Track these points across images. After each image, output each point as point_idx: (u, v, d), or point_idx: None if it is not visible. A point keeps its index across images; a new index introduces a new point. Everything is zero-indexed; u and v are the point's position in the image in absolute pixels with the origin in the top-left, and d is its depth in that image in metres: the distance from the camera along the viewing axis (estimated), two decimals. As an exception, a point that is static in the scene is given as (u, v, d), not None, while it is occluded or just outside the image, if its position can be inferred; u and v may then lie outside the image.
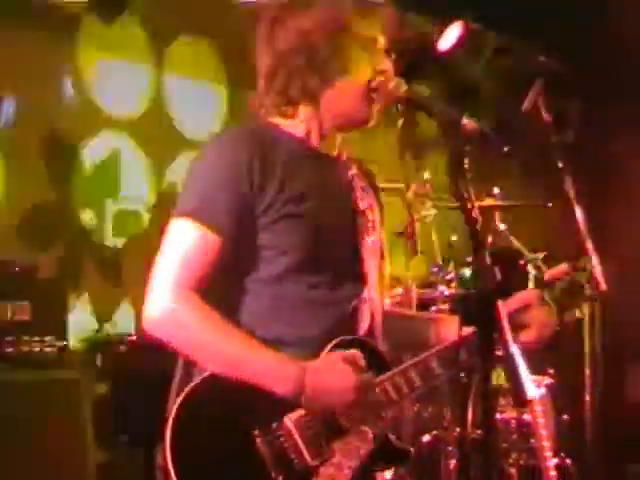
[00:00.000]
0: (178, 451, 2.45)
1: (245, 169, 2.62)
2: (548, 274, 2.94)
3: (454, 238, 5.45)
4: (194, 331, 2.58)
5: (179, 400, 2.51)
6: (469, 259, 5.22)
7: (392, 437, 2.71)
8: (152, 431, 4.89)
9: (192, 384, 2.55)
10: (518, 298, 2.84)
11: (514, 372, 2.17)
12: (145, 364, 4.97)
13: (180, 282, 2.57)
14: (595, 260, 4.62)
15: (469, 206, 2.34)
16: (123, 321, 5.73)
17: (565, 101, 7.03)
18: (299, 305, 2.68)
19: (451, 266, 5.11)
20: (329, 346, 2.67)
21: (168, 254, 2.60)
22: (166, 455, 2.44)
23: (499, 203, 5.34)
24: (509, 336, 2.18)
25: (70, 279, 5.52)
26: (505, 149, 5.21)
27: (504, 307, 2.22)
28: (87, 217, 5.88)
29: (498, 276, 2.21)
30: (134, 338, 5.24)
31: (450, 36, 6.47)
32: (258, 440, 2.51)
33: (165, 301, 2.56)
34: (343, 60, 2.73)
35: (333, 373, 2.59)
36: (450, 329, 2.89)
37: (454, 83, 6.95)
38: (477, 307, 2.19)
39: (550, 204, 5.48)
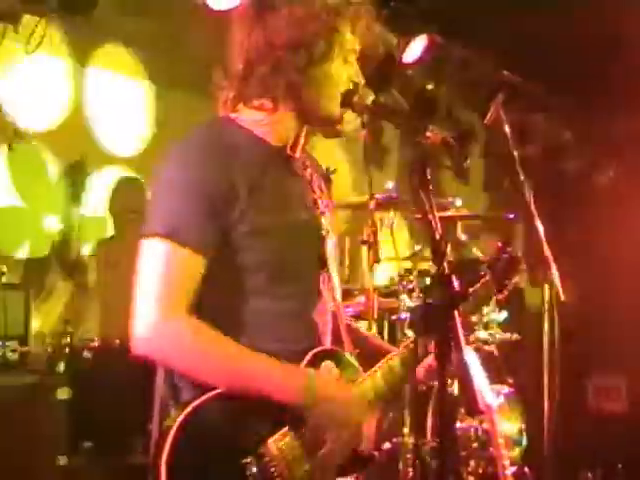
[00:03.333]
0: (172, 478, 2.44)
1: (216, 186, 2.57)
2: (486, 258, 3.01)
3: (418, 247, 5.49)
4: (195, 348, 2.56)
5: (176, 425, 2.48)
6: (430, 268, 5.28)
7: (362, 447, 2.74)
8: (115, 438, 4.92)
9: (186, 412, 2.51)
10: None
11: (467, 382, 2.19)
12: (109, 370, 4.98)
13: (167, 302, 2.52)
14: (555, 272, 4.69)
15: (430, 216, 2.37)
16: (88, 327, 5.70)
17: (528, 116, 7.14)
18: (275, 318, 2.68)
19: (414, 275, 5.15)
20: (306, 359, 2.69)
21: (151, 276, 2.55)
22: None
23: (461, 214, 5.39)
24: (464, 347, 2.21)
25: (34, 284, 5.49)
26: (467, 161, 5.26)
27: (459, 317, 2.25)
28: (52, 222, 5.85)
29: (456, 286, 2.24)
30: (98, 344, 5.23)
31: (415, 49, 6.53)
32: (249, 469, 2.51)
33: (155, 319, 2.51)
34: (329, 61, 2.69)
35: (335, 384, 2.67)
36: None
37: (417, 95, 7.00)
38: (434, 316, 2.22)
39: (512, 216, 5.54)
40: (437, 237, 2.34)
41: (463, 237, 5.30)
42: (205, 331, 2.56)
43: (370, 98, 2.70)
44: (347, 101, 2.72)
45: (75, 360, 5.03)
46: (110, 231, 5.99)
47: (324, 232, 2.86)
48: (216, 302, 2.64)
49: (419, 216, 2.42)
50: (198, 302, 2.59)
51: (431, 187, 2.41)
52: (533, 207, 4.85)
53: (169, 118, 6.38)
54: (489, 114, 5.23)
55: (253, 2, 2.73)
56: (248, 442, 2.53)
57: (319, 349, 2.73)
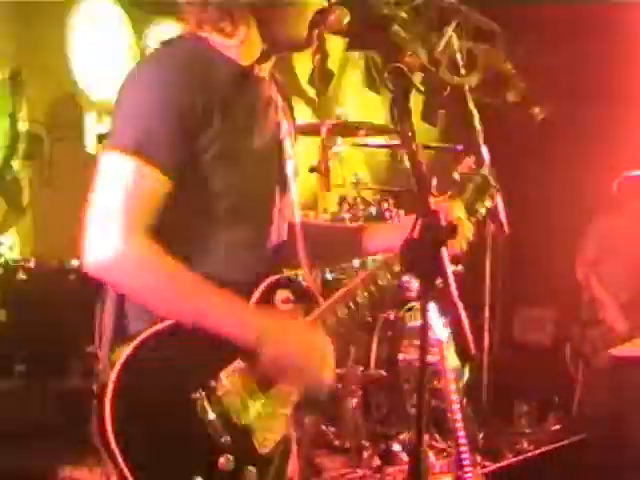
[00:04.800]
0: (118, 416, 2.33)
1: (187, 105, 2.44)
2: (458, 172, 2.90)
3: (360, 174, 5.43)
4: (153, 278, 2.44)
5: (121, 360, 2.37)
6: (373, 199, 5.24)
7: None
8: (51, 360, 4.82)
9: (136, 341, 2.40)
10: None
11: (460, 324, 2.12)
12: (44, 292, 4.86)
13: (129, 223, 2.40)
14: (501, 206, 4.66)
15: (414, 147, 2.28)
16: (22, 246, 5.55)
17: (474, 45, 7.07)
18: (231, 246, 2.58)
19: (359, 202, 5.09)
20: (261, 287, 2.60)
21: (110, 192, 2.41)
22: (105, 418, 2.32)
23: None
24: (453, 285, 2.13)
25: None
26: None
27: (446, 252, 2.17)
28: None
29: (442, 221, 2.16)
30: (32, 265, 5.09)
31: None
32: (199, 403, 2.42)
33: (116, 242, 2.38)
34: None
35: (296, 333, 2.55)
36: (379, 236, 2.90)
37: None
38: (421, 253, 2.14)
39: (460, 147, 5.50)
40: (422, 170, 2.25)
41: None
42: (164, 259, 2.44)
43: (347, 19, 2.59)
44: (320, 21, 2.60)
45: (9, 282, 4.90)
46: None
47: (286, 155, 2.77)
48: (175, 226, 2.51)
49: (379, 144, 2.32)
50: (157, 223, 2.46)
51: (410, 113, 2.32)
52: (481, 140, 4.81)
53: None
54: (442, 41, 5.15)
55: None
56: (199, 376, 2.44)
57: (276, 277, 2.64)
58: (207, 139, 2.49)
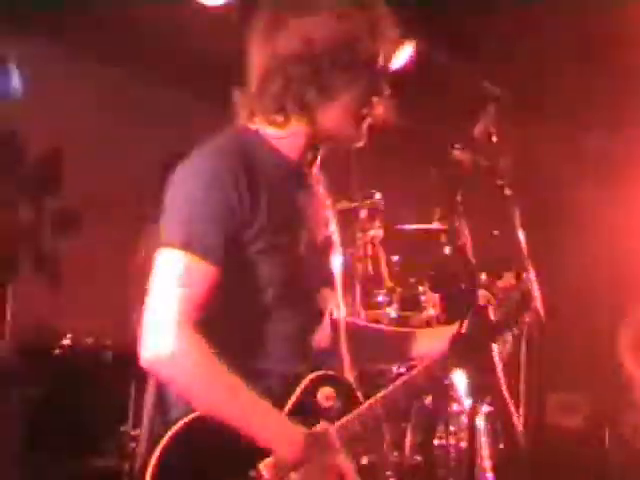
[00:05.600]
0: None
1: (235, 200, 2.49)
2: (499, 288, 2.91)
3: (396, 258, 5.43)
4: (203, 379, 2.49)
5: (163, 442, 2.43)
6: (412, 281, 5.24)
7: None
8: (85, 438, 4.82)
9: (177, 427, 2.46)
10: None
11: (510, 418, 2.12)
12: (80, 369, 4.89)
13: (183, 319, 2.45)
14: (537, 293, 4.65)
15: (466, 244, 2.30)
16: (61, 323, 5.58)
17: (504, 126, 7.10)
18: (276, 339, 2.61)
19: (397, 289, 5.09)
20: (302, 384, 2.63)
21: (165, 288, 2.47)
22: None
23: (444, 227, 5.33)
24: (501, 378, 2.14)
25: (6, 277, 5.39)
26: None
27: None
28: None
29: (492, 317, 2.17)
30: (69, 342, 5.11)
31: (401, 56, 6.45)
32: None
33: (172, 341, 2.44)
34: (345, 77, 2.60)
35: (330, 444, 2.57)
36: (428, 343, 2.89)
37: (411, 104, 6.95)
38: (470, 348, 2.15)
39: (496, 232, 5.49)
40: (472, 265, 2.26)
41: (447, 250, 5.24)
42: (214, 363, 2.48)
43: (394, 115, 2.64)
44: (366, 115, 2.66)
45: (46, 357, 4.93)
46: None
47: (334, 251, 2.82)
48: (225, 320, 2.57)
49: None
50: (209, 317, 2.51)
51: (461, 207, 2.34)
52: (518, 221, 4.81)
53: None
54: (478, 126, 5.18)
55: (263, 17, 2.66)
56: (237, 465, 2.47)
57: (318, 373, 2.67)
58: (254, 232, 2.53)
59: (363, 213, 4.71)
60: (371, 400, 2.70)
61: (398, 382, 2.74)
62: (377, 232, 5.02)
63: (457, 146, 2.44)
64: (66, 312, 5.52)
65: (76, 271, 5.64)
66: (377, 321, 4.80)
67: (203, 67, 5.89)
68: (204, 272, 2.48)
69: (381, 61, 2.67)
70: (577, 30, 6.76)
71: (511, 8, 6.67)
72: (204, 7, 5.56)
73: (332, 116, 2.64)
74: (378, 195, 4.98)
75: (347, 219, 4.77)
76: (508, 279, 2.93)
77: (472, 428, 2.18)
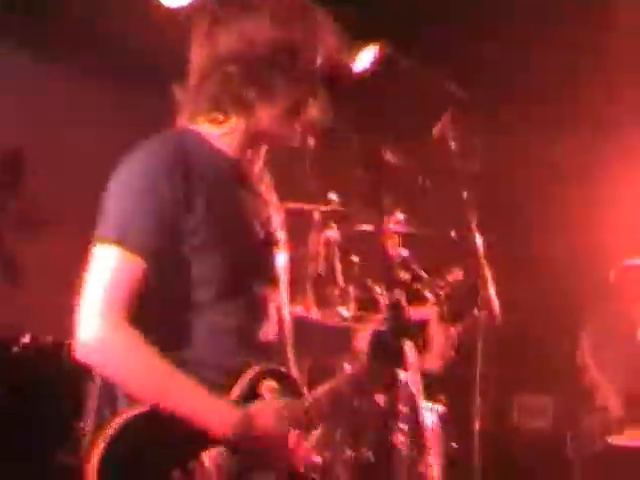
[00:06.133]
0: None
1: (169, 192, 2.56)
2: (446, 283, 2.96)
3: (355, 259, 5.47)
4: (131, 365, 2.55)
5: (106, 437, 2.47)
6: (369, 282, 5.27)
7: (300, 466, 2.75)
8: (41, 435, 4.82)
9: (120, 419, 2.51)
10: (417, 312, 2.86)
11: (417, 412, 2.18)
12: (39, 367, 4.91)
13: (111, 310, 2.52)
14: (493, 294, 4.69)
15: (385, 238, 2.35)
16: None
17: (471, 131, 7.15)
18: (218, 332, 2.67)
19: (351, 288, 5.13)
20: (245, 376, 2.68)
21: (94, 282, 2.54)
22: None
23: (403, 229, 5.37)
24: (414, 378, 2.19)
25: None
26: (426, 182, 5.26)
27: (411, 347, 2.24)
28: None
29: (409, 316, 2.23)
30: (27, 340, 5.13)
31: (365, 58, 6.48)
32: None
33: (98, 330, 2.51)
34: (283, 79, 2.68)
35: (269, 422, 2.63)
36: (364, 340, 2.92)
37: (366, 107, 6.98)
38: (386, 344, 2.20)
39: (453, 233, 5.54)
40: (391, 262, 2.32)
41: (404, 253, 5.28)
42: (142, 347, 2.55)
43: (329, 118, 2.69)
44: (300, 115, 2.74)
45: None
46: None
47: (275, 249, 2.87)
48: (161, 312, 2.64)
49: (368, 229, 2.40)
50: (143, 310, 2.58)
51: (387, 209, 2.40)
52: (475, 224, 4.85)
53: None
54: (435, 129, 5.22)
55: (206, 17, 2.73)
56: (180, 455, 2.51)
57: (262, 366, 2.72)
58: (190, 227, 2.58)
59: (317, 214, 4.75)
60: (315, 394, 2.78)
61: (340, 376, 2.79)
62: (333, 233, 5.06)
63: (388, 149, 2.48)
64: (26, 311, 5.55)
65: (36, 271, 5.66)
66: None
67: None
68: (135, 267, 2.54)
69: (319, 65, 2.73)
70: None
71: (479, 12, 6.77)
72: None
73: (269, 115, 2.71)
74: (334, 196, 5.03)
75: (301, 220, 4.82)
76: (456, 273, 2.99)
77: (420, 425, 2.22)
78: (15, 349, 5.02)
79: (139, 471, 2.48)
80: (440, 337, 2.87)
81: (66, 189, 5.88)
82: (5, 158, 5.88)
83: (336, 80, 2.73)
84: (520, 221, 8.13)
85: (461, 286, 2.97)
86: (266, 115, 2.71)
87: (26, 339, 5.10)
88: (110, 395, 2.63)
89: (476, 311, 3.06)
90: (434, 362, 2.87)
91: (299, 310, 4.80)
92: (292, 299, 5.07)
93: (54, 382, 4.83)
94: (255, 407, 2.64)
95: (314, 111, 2.72)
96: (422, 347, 2.79)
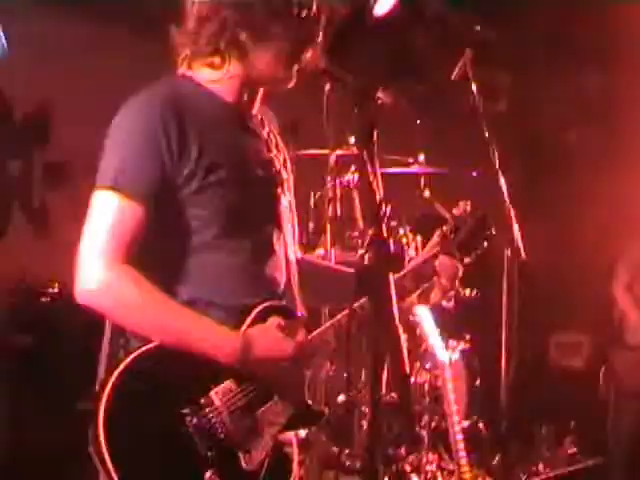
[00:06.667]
0: (111, 429, 2.46)
1: (163, 138, 2.59)
2: (454, 216, 2.99)
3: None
4: (133, 303, 2.59)
5: (116, 373, 2.52)
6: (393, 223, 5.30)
7: (309, 400, 2.81)
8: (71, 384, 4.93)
9: (126, 361, 2.55)
10: (427, 248, 2.97)
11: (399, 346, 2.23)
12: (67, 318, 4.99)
13: (110, 254, 2.56)
14: (517, 230, 4.72)
15: (371, 178, 2.38)
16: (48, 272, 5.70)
17: (496, 72, 7.13)
18: (224, 271, 2.71)
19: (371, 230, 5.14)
20: (253, 313, 2.73)
21: (94, 227, 2.58)
22: (99, 432, 2.45)
23: (424, 170, 5.41)
24: (396, 312, 2.23)
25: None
26: (417, 122, 5.28)
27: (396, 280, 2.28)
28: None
29: (392, 249, 2.27)
30: (57, 290, 5.22)
31: (386, 1, 6.47)
32: (187, 419, 2.54)
33: (99, 273, 2.55)
34: (278, 22, 2.70)
35: (272, 342, 2.68)
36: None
37: (390, 49, 6.98)
38: (371, 278, 2.25)
39: (475, 173, 5.56)
40: (377, 199, 2.36)
41: (426, 193, 5.31)
42: (144, 286, 2.59)
43: (323, 61, 2.72)
44: (295, 60, 2.75)
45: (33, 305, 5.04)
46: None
47: (279, 190, 2.90)
48: (163, 256, 2.68)
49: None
50: (144, 254, 2.62)
51: (376, 149, 2.42)
52: (497, 164, 4.86)
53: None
54: (456, 70, 5.22)
55: None
56: (190, 392, 2.57)
57: (267, 304, 2.76)
58: (187, 170, 2.63)
59: (333, 158, 4.78)
60: (321, 328, 2.82)
61: (344, 311, 2.85)
62: (351, 176, 5.10)
63: (380, 88, 2.50)
64: (55, 262, 5.63)
65: (66, 222, 5.72)
66: (350, 262, 4.89)
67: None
68: (133, 212, 2.59)
69: (315, 10, 2.77)
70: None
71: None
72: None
73: (265, 58, 2.74)
74: (352, 140, 5.04)
75: (318, 164, 4.85)
76: (463, 207, 3.02)
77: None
78: (44, 299, 5.11)
79: (149, 408, 2.53)
80: (444, 270, 2.91)
81: (95, 141, 5.93)
82: (34, 110, 5.95)
83: (351, 25, 2.76)
84: (548, 160, 8.09)
85: (468, 218, 2.99)
86: (262, 59, 2.74)
87: (55, 289, 5.20)
88: (122, 339, 2.69)
89: (486, 245, 3.06)
90: (436, 295, 2.91)
91: (321, 252, 4.89)
92: (314, 241, 5.20)
93: (82, 333, 4.91)
94: (255, 329, 2.70)
95: (312, 55, 2.75)
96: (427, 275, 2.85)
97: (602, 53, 7.31)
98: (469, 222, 2.99)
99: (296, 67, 2.77)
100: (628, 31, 6.93)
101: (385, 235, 2.28)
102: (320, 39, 2.79)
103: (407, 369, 2.28)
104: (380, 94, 2.51)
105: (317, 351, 2.83)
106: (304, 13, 2.74)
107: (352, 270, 2.98)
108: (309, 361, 2.84)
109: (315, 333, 2.80)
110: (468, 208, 3.01)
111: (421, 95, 6.69)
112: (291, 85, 2.80)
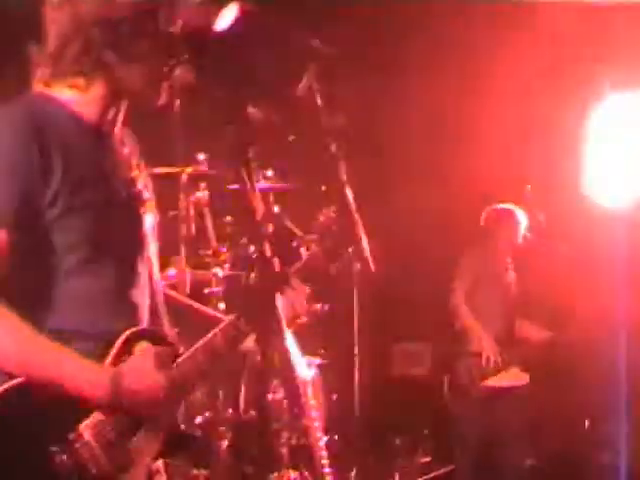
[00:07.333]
0: None
1: (25, 159, 2.49)
2: (319, 223, 2.98)
3: (229, 219, 5.47)
4: None
5: None
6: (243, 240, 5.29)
7: (181, 425, 2.79)
8: None
9: None
10: None
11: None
12: None
13: None
14: (365, 243, 4.74)
15: (251, 194, 2.36)
16: None
17: (334, 85, 7.17)
18: (90, 297, 2.63)
19: (225, 248, 5.14)
20: (120, 339, 2.64)
21: None
22: None
23: (274, 185, 5.40)
24: (284, 324, 2.21)
25: None
26: (290, 138, 5.28)
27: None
28: None
29: (277, 267, 2.24)
30: None
31: (227, 16, 6.43)
32: (56, 456, 2.46)
33: None
34: (144, 41, 2.65)
35: (142, 374, 2.60)
36: None
37: (233, 66, 6.94)
38: (255, 298, 2.22)
39: (323, 187, 5.57)
40: (258, 217, 2.33)
41: (276, 209, 5.31)
42: (7, 316, 2.48)
43: (191, 77, 2.68)
44: (164, 77, 2.70)
45: None
46: None
47: (142, 210, 2.83)
48: (27, 281, 2.57)
49: (234, 189, 2.40)
50: (9, 279, 2.51)
51: (253, 164, 2.40)
52: (344, 178, 4.88)
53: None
54: (301, 85, 5.23)
55: None
56: (58, 428, 2.49)
57: (135, 329, 2.70)
58: (50, 195, 2.54)
59: (184, 176, 4.74)
60: (190, 350, 2.75)
61: (215, 330, 2.79)
62: (202, 194, 5.06)
63: (252, 104, 2.48)
64: None
65: None
66: (205, 281, 4.88)
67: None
68: None
69: (180, 26, 2.72)
70: None
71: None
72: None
73: (132, 77, 2.68)
74: (202, 157, 5.01)
75: (170, 183, 4.81)
76: (327, 212, 3.01)
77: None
78: None
79: (15, 454, 2.44)
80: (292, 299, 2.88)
81: None
82: None
83: (199, 39, 2.72)
84: (390, 172, 8.20)
85: (333, 224, 3.00)
86: (129, 77, 2.68)
87: None
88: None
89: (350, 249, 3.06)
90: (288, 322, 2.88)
91: (174, 272, 4.83)
92: (166, 262, 5.13)
93: None
94: (125, 364, 2.62)
95: (177, 71, 2.70)
96: None
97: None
98: (335, 227, 2.99)
99: (164, 84, 2.71)
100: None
101: (269, 253, 2.25)
102: (188, 55, 2.75)
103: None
104: (250, 110, 2.49)
105: (189, 376, 2.76)
106: (170, 29, 2.69)
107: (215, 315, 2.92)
108: (183, 388, 2.76)
109: (185, 356, 2.74)
110: (332, 215, 3.02)
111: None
112: (161, 102, 2.75)
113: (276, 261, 2.26)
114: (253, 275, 2.28)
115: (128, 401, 2.56)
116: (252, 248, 5.19)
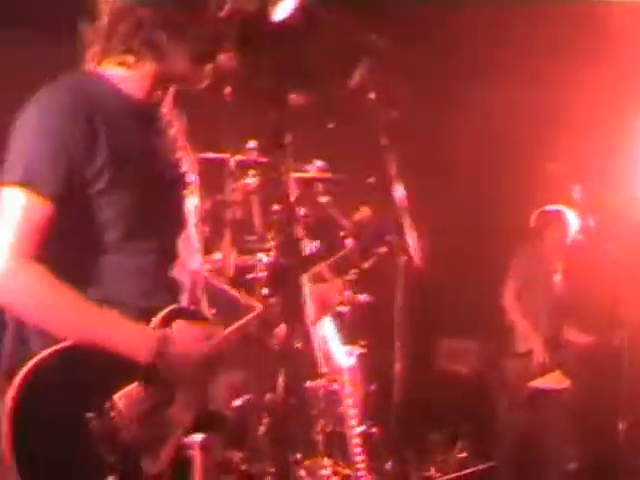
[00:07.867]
0: (17, 427, 2.45)
1: (73, 135, 2.58)
2: (354, 222, 3.01)
3: (276, 207, 5.50)
4: (42, 296, 2.57)
5: (19, 378, 2.50)
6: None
7: (210, 404, 2.86)
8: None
9: (28, 367, 2.52)
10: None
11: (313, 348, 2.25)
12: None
13: (17, 248, 2.54)
14: (412, 238, 4.75)
15: (284, 179, 2.40)
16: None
17: (392, 80, 7.17)
18: (130, 273, 2.71)
19: (271, 234, 5.16)
20: (159, 315, 2.72)
21: (4, 223, 2.56)
22: (5, 430, 2.44)
23: (321, 175, 5.42)
24: (310, 310, 2.25)
25: None
26: (330, 125, 5.29)
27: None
28: None
29: (304, 250, 2.28)
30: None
31: (285, 7, 6.46)
32: (91, 422, 2.53)
33: (5, 268, 2.52)
34: (193, 22, 2.73)
35: (189, 339, 2.70)
36: None
37: (286, 56, 6.97)
38: (283, 278, 2.26)
39: (371, 179, 5.58)
40: (291, 200, 2.37)
41: (323, 199, 5.32)
42: (52, 281, 2.57)
43: (234, 63, 2.73)
44: (208, 60, 2.74)
45: None
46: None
47: (185, 191, 2.88)
48: (70, 254, 2.67)
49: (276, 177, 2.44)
50: (52, 252, 2.60)
51: (289, 150, 2.44)
52: (394, 171, 4.89)
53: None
54: (353, 79, 5.24)
55: None
56: (94, 397, 2.56)
57: (173, 307, 2.76)
58: (96, 168, 2.61)
59: (232, 163, 4.78)
60: (227, 331, 2.85)
61: (252, 313, 2.85)
62: (251, 181, 5.10)
63: (294, 90, 2.52)
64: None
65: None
66: (248, 266, 4.91)
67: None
68: (41, 209, 2.57)
69: (232, 12, 2.77)
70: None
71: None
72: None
73: (179, 58, 2.76)
74: (252, 144, 5.04)
75: (218, 168, 4.84)
76: (363, 212, 3.04)
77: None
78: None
79: (53, 416, 2.52)
80: (324, 291, 2.92)
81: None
82: None
83: (247, 28, 2.77)
84: (443, 171, 8.20)
85: (368, 224, 3.02)
86: (176, 58, 2.75)
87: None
88: (22, 337, 2.66)
89: (384, 250, 3.09)
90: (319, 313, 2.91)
91: (219, 256, 4.87)
92: (212, 246, 5.17)
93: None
94: (172, 329, 2.69)
95: (225, 57, 2.76)
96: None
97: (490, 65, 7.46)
98: (369, 227, 3.02)
99: (209, 67, 2.77)
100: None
101: (299, 237, 2.29)
102: (233, 40, 2.80)
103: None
104: (292, 96, 2.53)
105: (221, 357, 2.82)
106: (219, 13, 2.74)
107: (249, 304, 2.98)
108: (215, 367, 2.82)
109: (220, 337, 2.80)
110: (368, 214, 3.04)
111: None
112: (204, 85, 2.80)
113: (307, 244, 2.30)
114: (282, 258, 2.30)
115: (169, 364, 2.63)
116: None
